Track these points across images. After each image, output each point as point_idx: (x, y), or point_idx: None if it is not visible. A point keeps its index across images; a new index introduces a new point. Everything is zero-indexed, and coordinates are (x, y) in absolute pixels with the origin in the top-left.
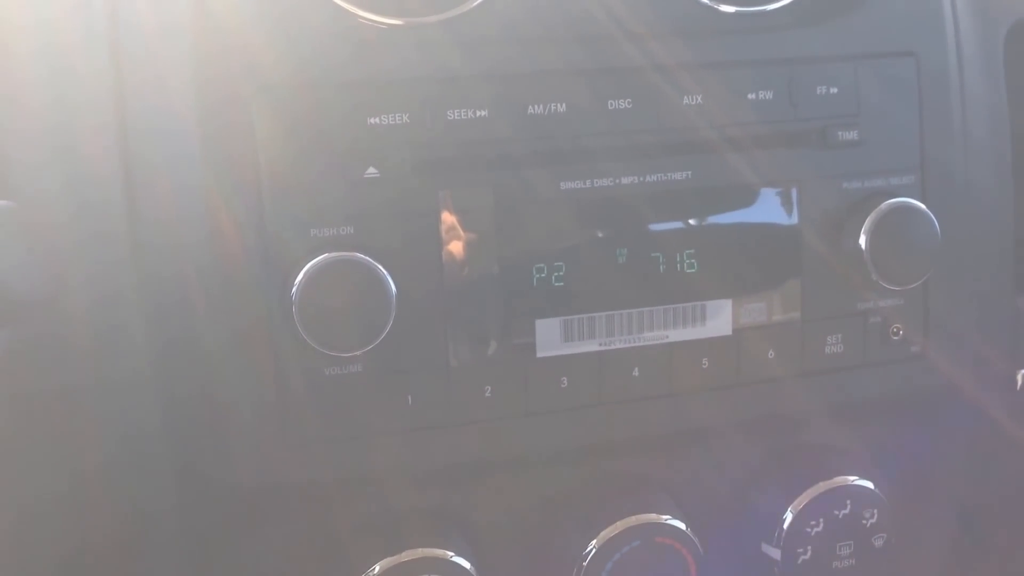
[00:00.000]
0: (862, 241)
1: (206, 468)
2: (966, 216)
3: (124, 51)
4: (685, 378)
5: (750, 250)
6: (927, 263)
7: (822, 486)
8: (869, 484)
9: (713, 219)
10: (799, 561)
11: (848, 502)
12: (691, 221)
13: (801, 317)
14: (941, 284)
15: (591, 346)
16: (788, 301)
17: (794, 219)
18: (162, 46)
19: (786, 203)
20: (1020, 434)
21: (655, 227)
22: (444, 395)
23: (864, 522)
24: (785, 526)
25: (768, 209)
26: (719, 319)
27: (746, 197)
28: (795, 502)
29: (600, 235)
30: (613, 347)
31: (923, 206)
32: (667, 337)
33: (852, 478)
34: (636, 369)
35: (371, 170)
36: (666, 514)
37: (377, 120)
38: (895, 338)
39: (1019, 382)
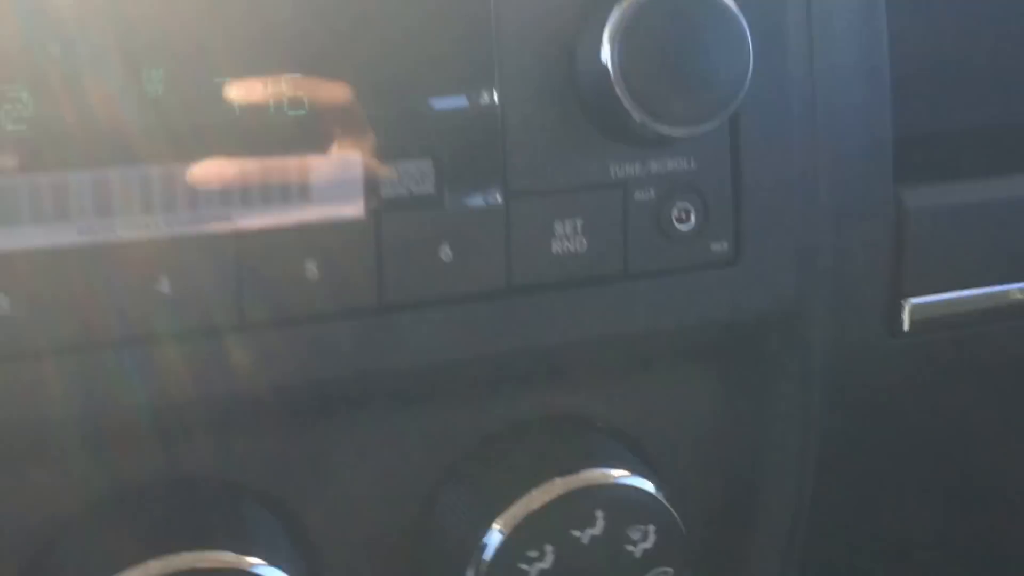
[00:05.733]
0: (606, 52)
1: None
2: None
3: None
4: (263, 296)
5: (393, 63)
6: (728, 90)
7: (555, 487)
8: (644, 483)
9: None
10: None
11: (599, 515)
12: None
13: (503, 189)
14: (762, 134)
15: (66, 235)
16: (478, 159)
17: (485, 9)
18: None
19: None
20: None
21: (216, 31)
22: None
23: (631, 548)
24: (487, 556)
25: None
26: (339, 189)
27: None
28: (504, 516)
29: (113, 39)
30: (110, 238)
31: None
32: (230, 221)
33: (613, 473)
34: (166, 280)
35: None
36: None
37: None
38: (681, 227)
39: (905, 320)
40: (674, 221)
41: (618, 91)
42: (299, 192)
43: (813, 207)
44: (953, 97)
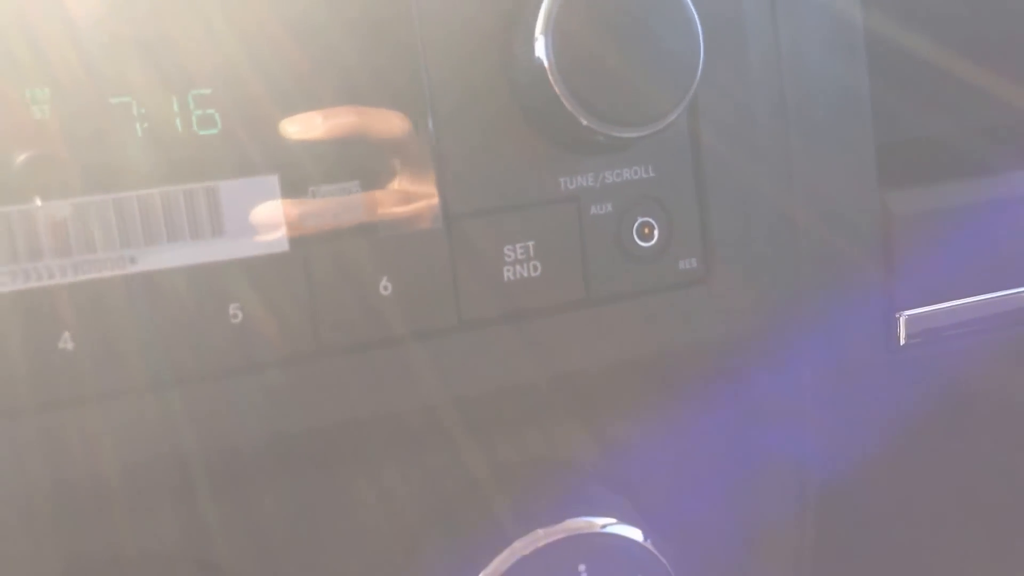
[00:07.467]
0: (540, 46)
1: None
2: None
3: None
4: (180, 346)
5: (314, 69)
6: (679, 80)
7: (538, 538)
8: (631, 531)
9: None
10: None
11: (583, 568)
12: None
13: (442, 211)
14: (726, 134)
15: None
16: (411, 180)
17: (409, 14)
18: None
19: None
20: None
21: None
22: None
23: None
24: None
25: None
26: (257, 219)
27: None
28: (484, 573)
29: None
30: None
31: None
32: (133, 262)
33: (597, 521)
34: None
35: None
36: None
37: None
38: (644, 244)
39: (901, 335)
40: (636, 238)
41: (557, 89)
42: (212, 224)
43: (790, 215)
44: (930, 102)
